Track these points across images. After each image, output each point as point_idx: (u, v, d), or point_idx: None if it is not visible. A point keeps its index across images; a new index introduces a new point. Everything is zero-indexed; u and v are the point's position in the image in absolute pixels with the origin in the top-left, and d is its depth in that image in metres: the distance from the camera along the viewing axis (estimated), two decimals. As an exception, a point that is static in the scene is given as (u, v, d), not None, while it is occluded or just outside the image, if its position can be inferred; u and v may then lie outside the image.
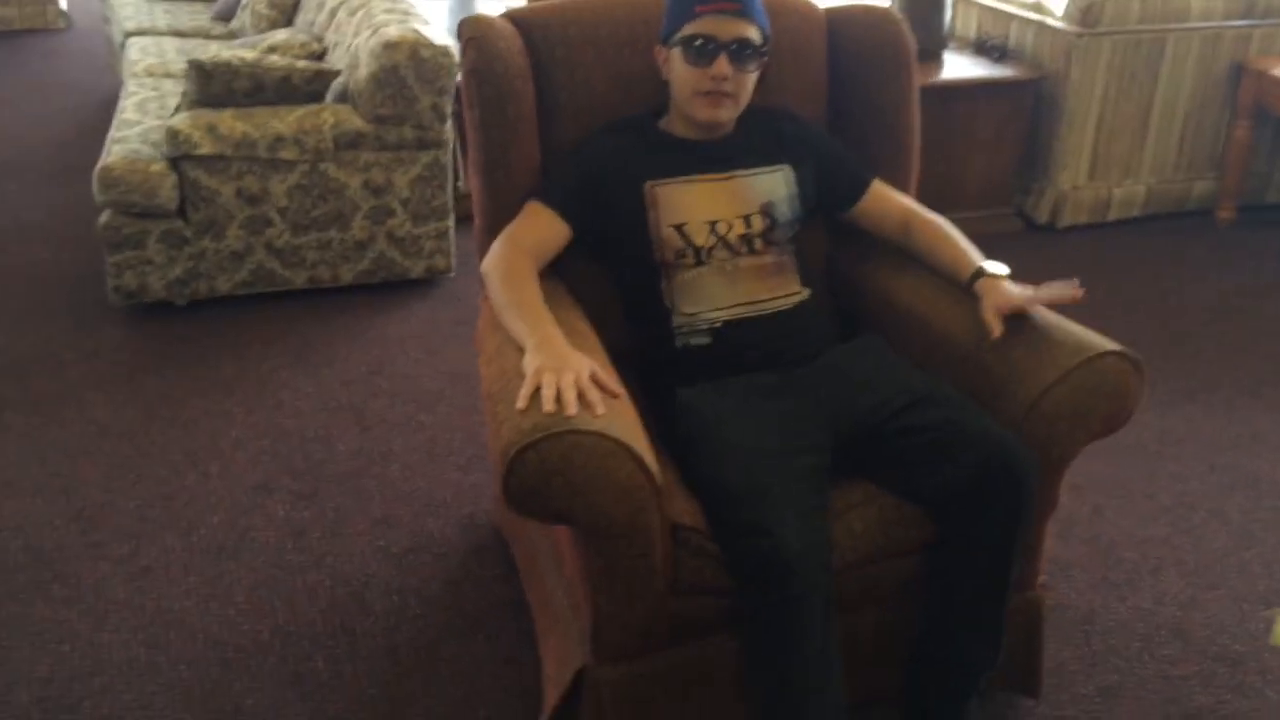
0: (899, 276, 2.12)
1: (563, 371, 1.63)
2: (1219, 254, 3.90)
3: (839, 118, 2.24)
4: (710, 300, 1.93)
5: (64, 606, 2.21)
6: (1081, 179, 3.96)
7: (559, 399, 1.59)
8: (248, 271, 3.34)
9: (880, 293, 2.14)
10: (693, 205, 1.95)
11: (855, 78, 2.21)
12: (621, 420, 1.65)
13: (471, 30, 2.02)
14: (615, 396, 1.67)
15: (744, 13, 1.90)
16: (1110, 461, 2.71)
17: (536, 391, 1.61)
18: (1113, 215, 4.05)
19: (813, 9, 2.24)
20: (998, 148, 3.89)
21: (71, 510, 2.49)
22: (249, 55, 3.31)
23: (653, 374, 2.00)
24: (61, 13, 6.80)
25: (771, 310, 1.95)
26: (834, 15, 2.25)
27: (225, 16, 4.94)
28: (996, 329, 1.84)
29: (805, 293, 2.00)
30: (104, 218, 3.19)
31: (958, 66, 3.91)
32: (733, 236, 1.95)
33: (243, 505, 2.51)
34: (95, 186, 3.15)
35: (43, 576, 2.29)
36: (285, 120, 3.22)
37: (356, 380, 3.02)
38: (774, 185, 2.00)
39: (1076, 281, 1.86)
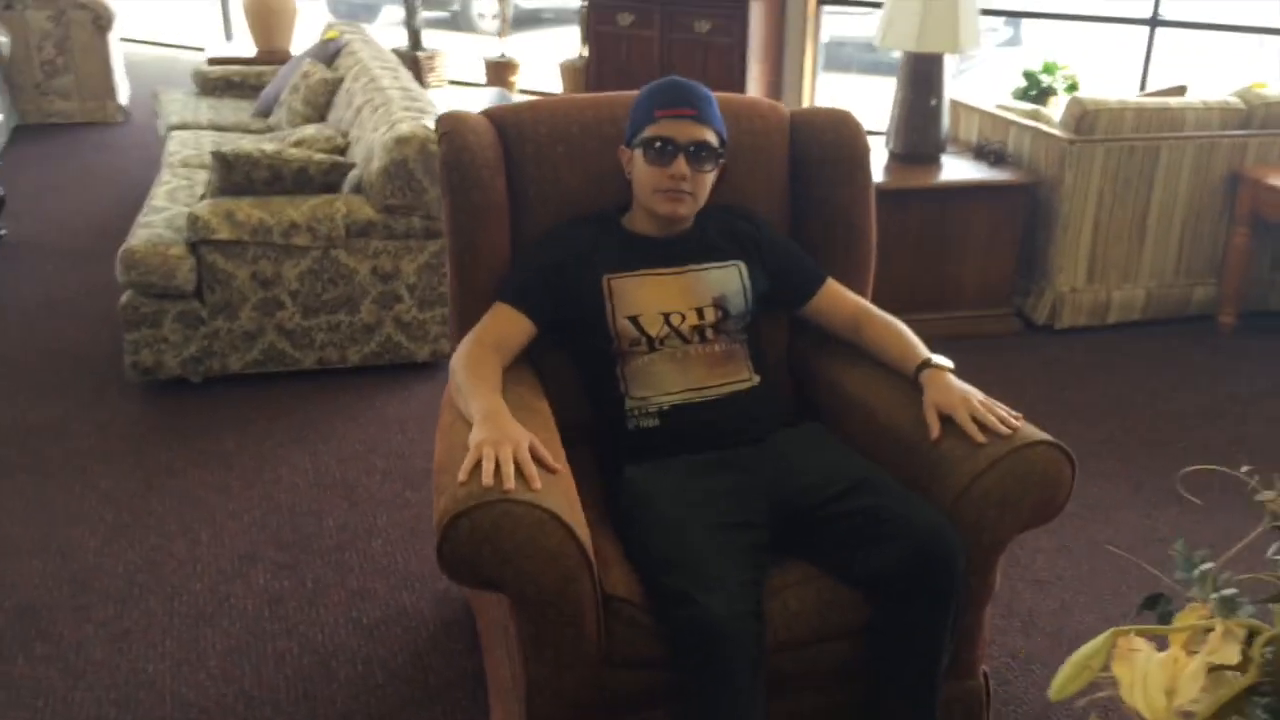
0: (851, 368, 2.19)
1: (501, 444, 1.71)
2: (1217, 359, 3.92)
3: (799, 215, 2.34)
4: (660, 385, 2.03)
5: (44, 664, 2.30)
6: (1079, 281, 4.02)
7: (498, 471, 1.68)
8: (259, 351, 3.48)
9: (833, 382, 2.21)
10: (647, 298, 2.06)
11: (814, 177, 2.31)
12: (556, 492, 1.73)
13: (445, 125, 2.16)
14: (553, 472, 1.75)
15: (701, 118, 2.05)
16: (1083, 559, 2.73)
17: (479, 465, 1.70)
18: (1112, 318, 4.09)
19: (777, 111, 2.36)
20: (994, 249, 3.97)
21: (65, 572, 2.59)
22: (269, 148, 3.49)
23: (609, 453, 2.08)
24: (120, 108, 7.14)
25: (718, 395, 2.03)
26: (797, 117, 2.36)
27: (264, 112, 5.19)
28: (934, 429, 1.91)
29: (755, 379, 2.09)
30: (125, 297, 3.35)
31: (955, 170, 4.01)
32: (685, 327, 2.06)
33: (227, 573, 2.60)
34: (118, 268, 3.32)
35: (28, 634, 2.38)
36: (300, 209, 3.38)
37: (352, 458, 3.12)
38: (726, 279, 2.10)
39: (1021, 415, 1.91)
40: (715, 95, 2.17)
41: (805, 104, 7.32)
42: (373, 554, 2.68)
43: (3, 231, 4.80)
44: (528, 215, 2.22)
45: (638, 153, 2.06)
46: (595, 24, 7.21)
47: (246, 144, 3.53)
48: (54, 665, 2.29)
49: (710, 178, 2.09)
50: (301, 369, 3.54)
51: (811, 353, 2.29)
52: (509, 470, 1.68)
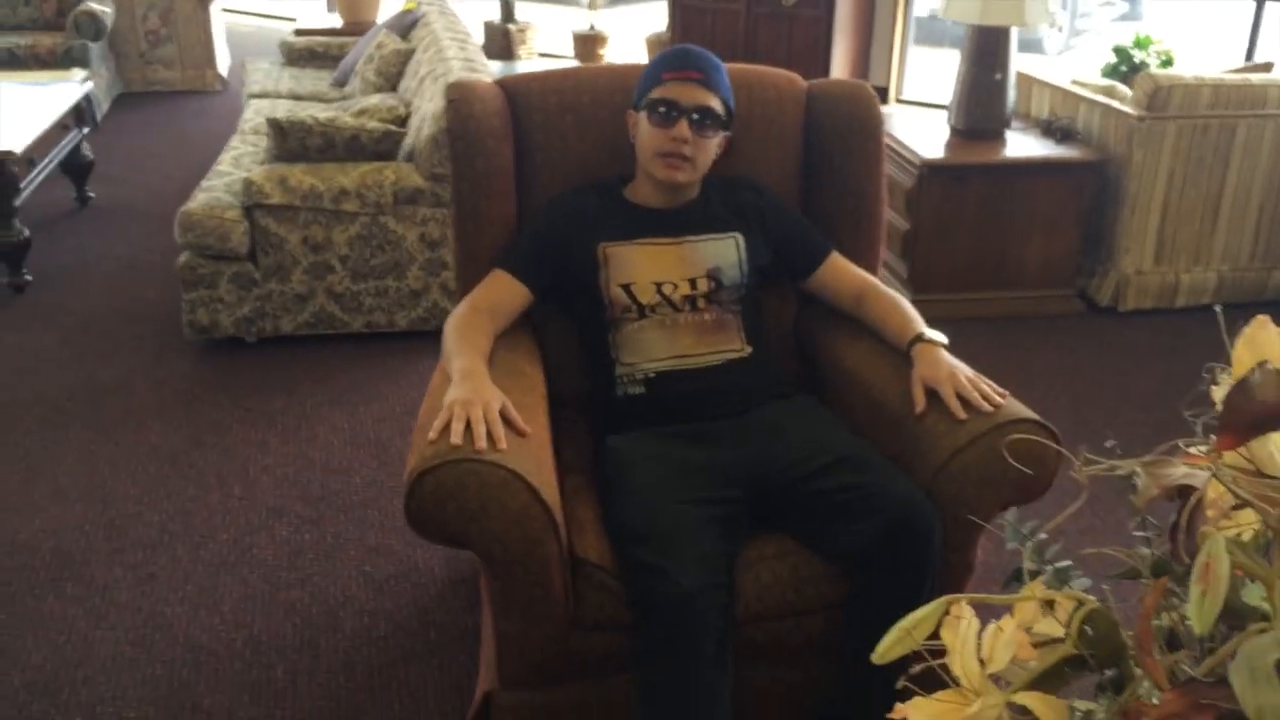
0: (852, 342, 2.17)
1: (473, 405, 1.74)
2: (1291, 347, 3.75)
3: (811, 187, 2.31)
4: (647, 352, 2.03)
5: (72, 604, 2.42)
6: (1146, 263, 3.89)
7: (468, 431, 1.71)
8: (310, 314, 3.58)
9: (833, 354, 2.19)
10: (640, 266, 2.07)
11: (827, 149, 2.28)
12: (525, 454, 1.75)
13: (452, 93, 2.19)
14: (521, 434, 1.78)
15: (707, 83, 2.05)
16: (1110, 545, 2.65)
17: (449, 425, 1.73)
18: (1181, 301, 3.95)
19: (794, 83, 2.34)
20: (1057, 228, 3.86)
21: (104, 519, 2.72)
22: (323, 116, 3.58)
23: (599, 420, 2.10)
24: (219, 76, 7.38)
25: (705, 365, 2.03)
26: (814, 88, 2.34)
27: (341, 82, 5.31)
28: (919, 403, 1.88)
29: (746, 350, 2.07)
30: (183, 258, 3.48)
31: (1019, 146, 3.91)
32: (677, 296, 2.06)
33: (253, 525, 2.69)
34: (176, 229, 3.45)
35: (62, 575, 2.51)
36: (350, 175, 3.46)
37: (388, 418, 3.20)
38: (722, 251, 2.10)
39: (1007, 393, 1.87)
40: (733, 65, 2.17)
41: (894, 79, 7.18)
42: (394, 512, 2.74)
43: (91, 195, 5.01)
44: (534, 183, 2.24)
45: (642, 115, 2.07)
46: (681, -3, 7.19)
47: (302, 112, 3.62)
48: (81, 605, 2.41)
49: (713, 145, 2.08)
50: (350, 332, 3.64)
51: (817, 325, 2.27)
52: (480, 431, 1.71)
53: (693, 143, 2.03)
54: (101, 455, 3.00)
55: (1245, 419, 0.71)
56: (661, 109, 2.03)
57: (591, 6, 8.24)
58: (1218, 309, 0.86)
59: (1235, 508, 0.76)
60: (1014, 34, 3.86)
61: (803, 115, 2.31)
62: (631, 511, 1.82)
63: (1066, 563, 0.86)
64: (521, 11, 8.51)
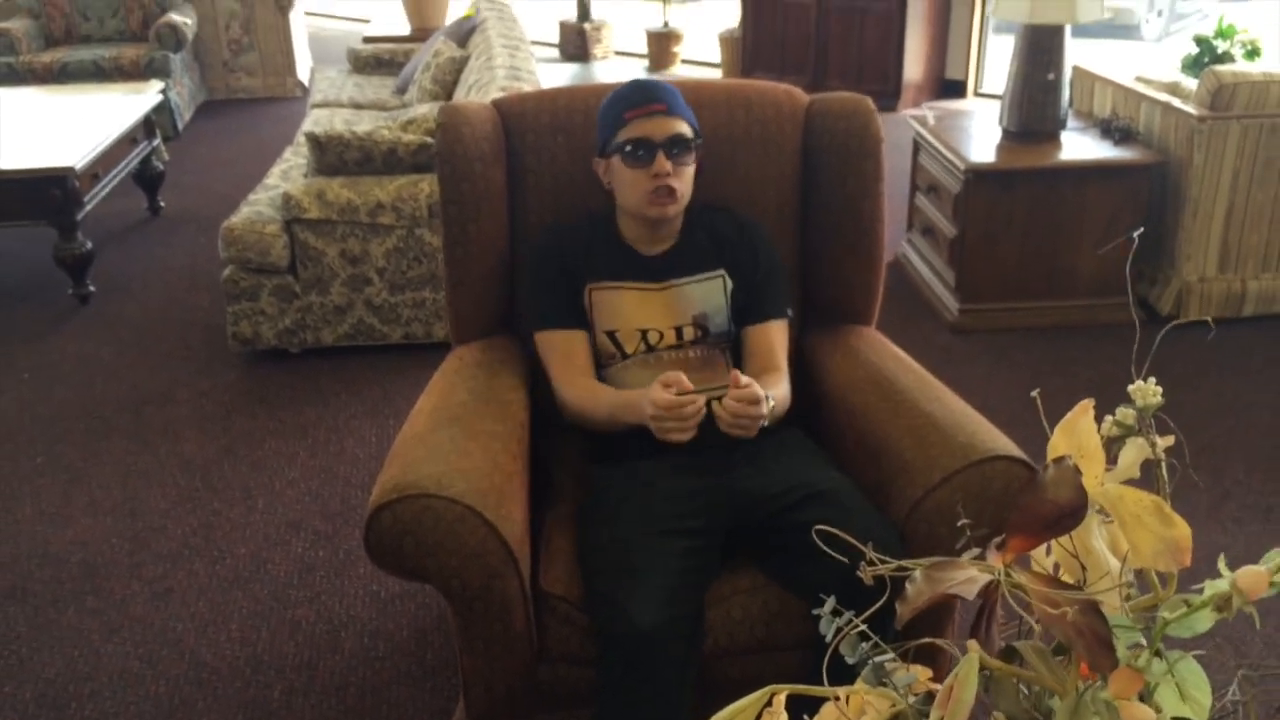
0: (844, 368, 2.11)
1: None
2: (1367, 358, 3.55)
3: (809, 205, 2.25)
4: (633, 389, 1.98)
5: (90, 617, 2.49)
6: (1210, 270, 3.71)
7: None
8: (349, 325, 3.63)
9: (823, 380, 2.14)
10: (625, 313, 2.04)
11: (825, 166, 2.22)
12: (487, 487, 1.74)
13: (442, 117, 2.18)
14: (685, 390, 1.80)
15: (671, 111, 2.00)
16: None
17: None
18: (1249, 310, 3.76)
19: (794, 98, 2.28)
20: (1114, 234, 3.70)
21: (130, 531, 2.79)
22: (361, 129, 3.62)
23: (589, 451, 2.08)
24: (299, 82, 7.54)
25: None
26: (815, 104, 2.27)
27: (402, 90, 5.37)
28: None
29: None
30: (226, 271, 3.56)
31: (1074, 148, 3.76)
32: (661, 345, 2.04)
33: (271, 540, 2.74)
34: (220, 243, 3.52)
35: (84, 588, 2.58)
36: (386, 189, 3.50)
37: (416, 433, 3.22)
38: (709, 295, 2.05)
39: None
40: (731, 81, 2.14)
41: (972, 72, 7.00)
42: (409, 529, 2.76)
43: (162, 205, 5.16)
44: (526, 205, 2.23)
45: (615, 160, 2.01)
46: (752, -7, 7.11)
47: (340, 126, 3.66)
48: (98, 618, 2.48)
49: (691, 170, 2.03)
50: (389, 343, 3.67)
51: (810, 348, 2.21)
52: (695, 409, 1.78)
53: (674, 173, 1.98)
54: (137, 467, 3.09)
55: (1037, 520, 0.66)
56: (634, 149, 1.98)
57: (665, 2, 8.18)
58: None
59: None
60: (1068, 31, 3.71)
61: (801, 132, 2.25)
62: (600, 543, 1.80)
63: (887, 656, 0.81)
64: (599, 9, 8.51)
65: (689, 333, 2.04)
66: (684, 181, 2.02)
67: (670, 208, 2.01)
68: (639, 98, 2.00)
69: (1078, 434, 0.71)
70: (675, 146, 1.98)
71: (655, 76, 2.26)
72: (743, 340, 2.08)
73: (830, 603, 0.90)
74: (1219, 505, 2.81)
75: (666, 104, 1.99)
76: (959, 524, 0.87)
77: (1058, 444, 0.72)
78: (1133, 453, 0.76)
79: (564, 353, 2.05)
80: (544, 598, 1.80)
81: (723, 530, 1.86)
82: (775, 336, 2.08)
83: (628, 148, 1.98)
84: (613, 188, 2.06)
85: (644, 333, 2.03)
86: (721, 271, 2.07)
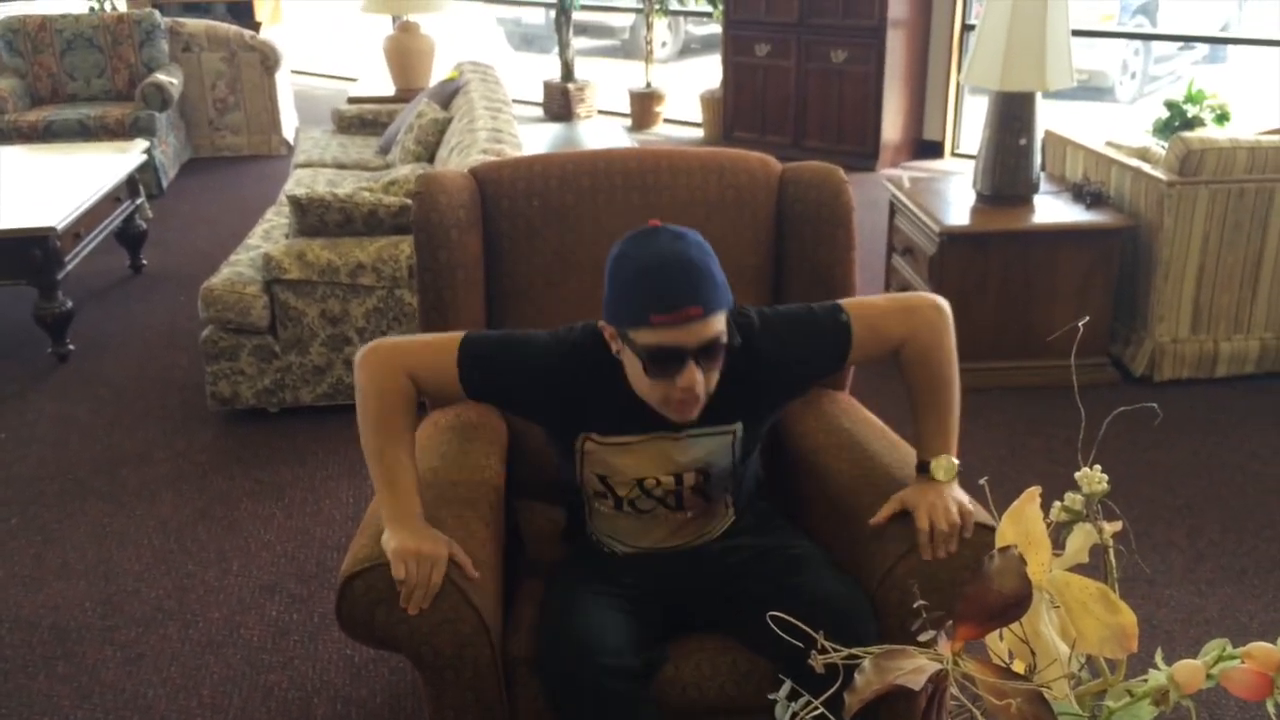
0: (819, 429, 2.12)
1: (421, 563, 1.67)
2: (1338, 419, 3.58)
3: (782, 273, 2.28)
4: (623, 536, 1.93)
5: (60, 683, 2.46)
6: (1182, 331, 3.75)
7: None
8: (328, 385, 3.63)
9: (797, 440, 2.14)
10: (622, 464, 1.82)
11: (798, 233, 2.25)
12: (457, 556, 1.74)
13: (419, 185, 2.21)
14: (470, 579, 1.71)
15: (709, 311, 1.61)
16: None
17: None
18: (1221, 371, 3.80)
19: (768, 166, 2.31)
20: (1087, 296, 3.74)
21: (103, 595, 2.77)
22: (342, 191, 3.65)
23: (566, 525, 2.07)
24: (284, 141, 7.59)
25: (682, 548, 1.92)
26: (787, 173, 2.31)
27: (386, 150, 5.42)
28: (881, 517, 1.80)
29: (730, 519, 1.95)
30: (206, 332, 3.57)
31: (1047, 212, 3.81)
32: (659, 491, 1.84)
33: (245, 603, 2.72)
34: (199, 304, 3.53)
35: (55, 653, 2.56)
36: (367, 250, 3.52)
37: (394, 494, 3.21)
38: (717, 447, 1.82)
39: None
40: (706, 150, 2.09)
41: (949, 133, 7.10)
42: (385, 592, 2.75)
43: (144, 263, 5.17)
44: (501, 269, 2.25)
45: (628, 350, 1.66)
46: (732, 54, 7.22)
47: (321, 188, 3.69)
48: (69, 684, 2.45)
49: (720, 363, 1.68)
50: (368, 403, 3.67)
51: (785, 417, 2.22)
52: (429, 591, 1.67)
53: (704, 380, 1.66)
54: (112, 529, 3.07)
55: (984, 609, 0.67)
56: (658, 357, 1.62)
57: (647, 63, 8.28)
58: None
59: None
60: (1038, 98, 3.78)
61: (775, 199, 2.29)
62: (560, 607, 1.81)
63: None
64: (594, 68, 8.61)
65: (689, 479, 1.82)
66: (713, 382, 1.69)
67: (694, 412, 1.69)
68: (671, 301, 1.58)
69: (1024, 521, 0.72)
70: (709, 351, 1.64)
71: (643, 137, 2.23)
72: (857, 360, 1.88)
73: (786, 687, 0.90)
74: (1194, 567, 2.82)
75: (704, 305, 1.60)
76: (915, 605, 0.88)
77: (1005, 532, 0.73)
78: (1080, 538, 0.77)
79: (438, 369, 1.80)
80: (516, 664, 1.81)
81: (690, 601, 1.89)
82: (864, 324, 1.85)
83: (653, 355, 1.62)
84: (620, 360, 1.72)
85: (640, 480, 1.82)
86: (737, 424, 1.81)
